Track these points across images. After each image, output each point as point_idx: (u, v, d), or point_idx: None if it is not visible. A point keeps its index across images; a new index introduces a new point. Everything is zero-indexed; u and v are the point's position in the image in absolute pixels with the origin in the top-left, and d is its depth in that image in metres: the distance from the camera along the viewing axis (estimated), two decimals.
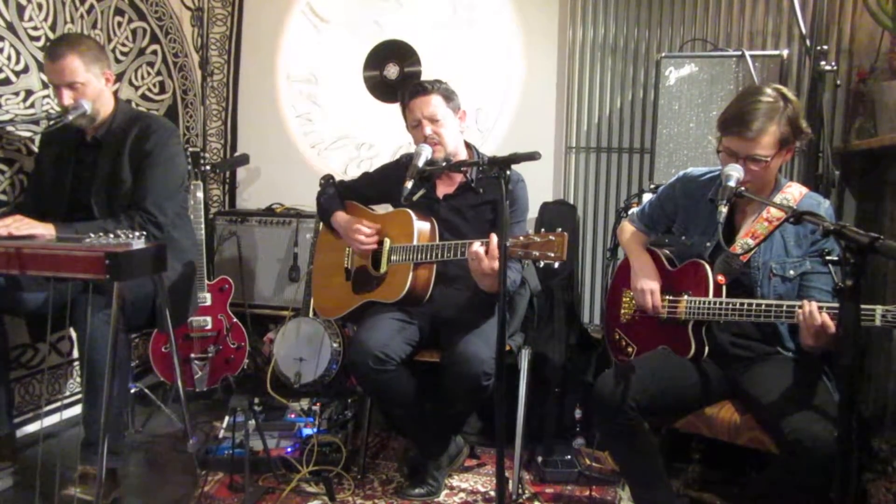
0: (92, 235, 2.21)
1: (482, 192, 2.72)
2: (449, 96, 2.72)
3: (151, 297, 2.60)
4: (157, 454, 2.97)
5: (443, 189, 2.78)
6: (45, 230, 2.40)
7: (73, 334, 3.24)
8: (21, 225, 2.37)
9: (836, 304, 1.87)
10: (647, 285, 2.30)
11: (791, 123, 2.04)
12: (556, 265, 1.98)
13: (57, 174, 2.75)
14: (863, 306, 1.71)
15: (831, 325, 1.87)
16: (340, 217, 2.88)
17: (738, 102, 2.10)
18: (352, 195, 2.97)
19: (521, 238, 2.02)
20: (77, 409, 3.19)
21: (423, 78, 3.72)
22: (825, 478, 1.73)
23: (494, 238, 2.31)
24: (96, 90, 2.63)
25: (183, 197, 2.87)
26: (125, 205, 2.64)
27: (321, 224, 3.08)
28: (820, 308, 1.90)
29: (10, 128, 2.91)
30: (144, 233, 2.54)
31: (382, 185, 2.88)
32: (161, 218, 2.63)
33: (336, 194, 2.97)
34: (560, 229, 1.98)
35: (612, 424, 2.11)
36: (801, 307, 1.92)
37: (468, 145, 2.83)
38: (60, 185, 2.73)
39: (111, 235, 2.15)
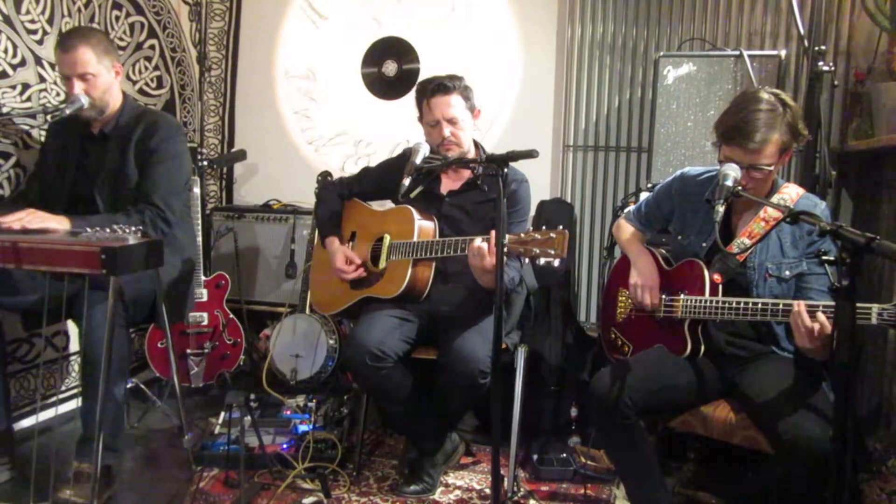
0: (88, 230, 2.22)
1: (487, 190, 2.71)
2: (467, 95, 2.71)
3: (153, 292, 2.60)
4: (153, 450, 2.96)
5: (448, 185, 2.78)
6: (58, 224, 2.39)
7: (70, 330, 3.25)
8: (34, 218, 2.37)
9: (832, 304, 1.87)
10: (646, 281, 2.30)
11: (791, 129, 2.03)
12: (557, 264, 1.97)
13: (60, 165, 2.74)
14: (859, 305, 1.71)
15: (828, 327, 1.86)
16: (329, 242, 2.88)
17: (738, 112, 2.06)
18: (352, 192, 2.97)
19: (522, 235, 2.02)
20: (72, 405, 3.19)
21: (424, 76, 3.72)
22: (820, 478, 1.73)
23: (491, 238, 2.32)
24: (107, 82, 2.63)
25: (186, 196, 2.87)
26: (130, 200, 2.64)
27: None
28: (813, 309, 1.89)
29: (6, 121, 2.90)
30: (153, 228, 2.55)
31: (383, 180, 2.87)
32: (169, 214, 2.63)
33: (334, 206, 2.95)
34: (561, 227, 1.98)
35: (607, 423, 2.12)
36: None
37: (476, 144, 2.83)
38: (62, 176, 2.73)
39: (118, 230, 2.15)
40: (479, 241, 2.33)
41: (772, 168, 2.06)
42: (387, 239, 2.72)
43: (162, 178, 2.65)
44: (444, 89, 2.66)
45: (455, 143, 2.66)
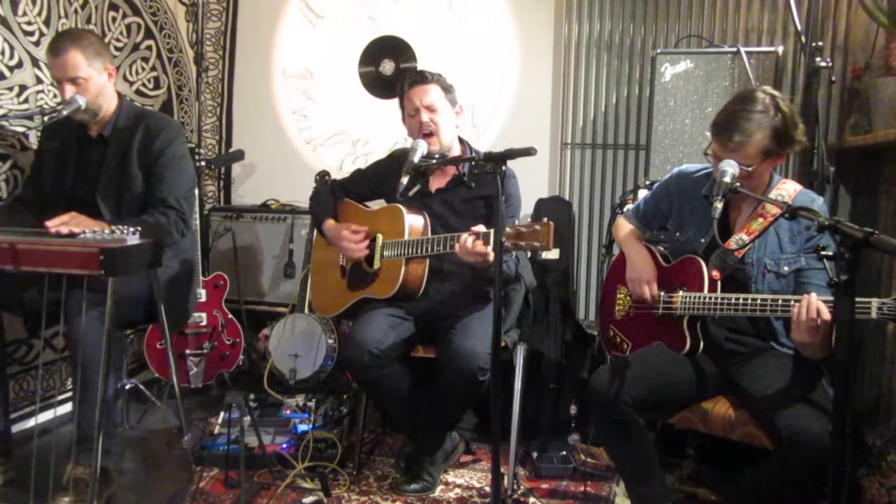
0: (87, 231, 2.21)
1: (474, 187, 2.72)
2: (447, 88, 2.73)
3: (146, 292, 2.60)
4: (152, 450, 2.96)
5: (435, 183, 2.78)
6: (99, 228, 2.39)
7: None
8: (80, 222, 2.37)
9: (831, 298, 1.87)
10: (643, 275, 2.30)
11: (777, 134, 2.02)
12: (542, 255, 1.98)
13: (58, 169, 2.73)
14: (858, 299, 1.71)
15: (827, 315, 1.85)
16: (329, 226, 2.88)
17: (729, 109, 2.09)
18: (346, 193, 2.97)
19: (508, 229, 2.02)
20: (71, 406, 3.18)
21: None
22: (819, 473, 1.73)
23: (481, 227, 2.34)
24: (98, 85, 2.62)
25: (193, 197, 2.86)
26: (135, 203, 2.64)
27: None
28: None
29: (3, 123, 2.90)
30: (176, 230, 2.57)
31: (376, 181, 2.88)
32: (186, 215, 2.64)
33: (327, 199, 2.95)
34: (546, 219, 1.98)
35: (607, 420, 2.12)
36: (798, 301, 1.91)
37: (462, 141, 2.84)
38: (61, 180, 2.72)
39: (116, 231, 2.15)
40: (469, 240, 2.33)
41: (749, 169, 2.04)
42: (379, 239, 2.72)
43: (174, 180, 2.66)
44: (422, 79, 2.70)
45: (433, 131, 2.65)
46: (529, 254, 2.01)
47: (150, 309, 2.65)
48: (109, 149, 2.69)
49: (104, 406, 2.26)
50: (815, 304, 1.87)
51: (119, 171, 2.66)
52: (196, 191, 3.39)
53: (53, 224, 2.31)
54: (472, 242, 2.31)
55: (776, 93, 2.09)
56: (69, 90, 2.56)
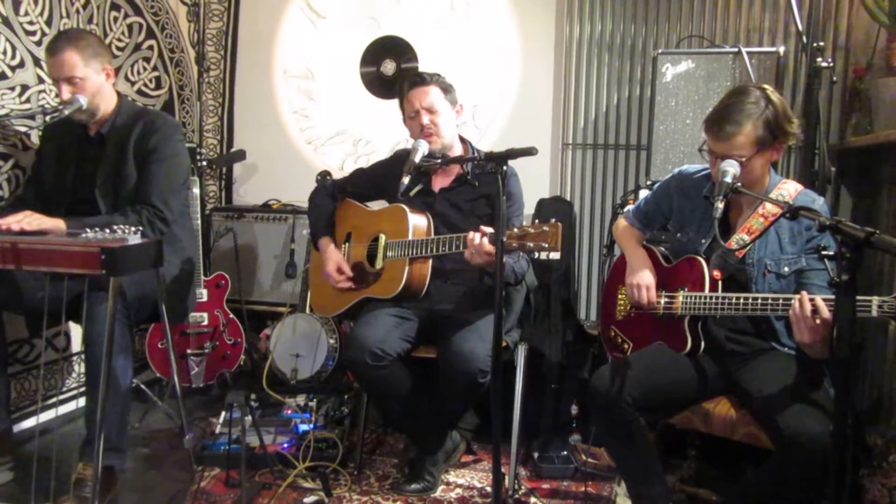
0: (88, 231, 2.21)
1: (478, 186, 2.72)
2: (447, 89, 2.73)
3: (156, 292, 2.60)
4: (154, 450, 2.96)
5: (439, 183, 2.79)
6: (54, 225, 2.40)
7: (72, 330, 3.25)
8: (32, 220, 2.38)
9: (832, 297, 1.86)
10: (642, 280, 2.30)
11: (769, 126, 2.03)
12: (552, 256, 1.98)
13: (59, 168, 2.74)
14: (859, 297, 1.71)
15: (826, 312, 1.84)
16: (323, 245, 2.89)
17: (721, 102, 2.11)
18: (346, 193, 2.97)
19: (516, 230, 2.02)
20: (73, 405, 3.19)
21: None
22: (821, 473, 1.73)
23: (490, 229, 2.32)
24: (96, 85, 2.62)
25: (185, 194, 2.87)
26: (130, 200, 2.64)
27: None
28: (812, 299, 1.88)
29: (5, 122, 2.90)
30: (150, 228, 2.56)
31: (377, 181, 2.88)
32: (167, 213, 2.64)
33: (325, 206, 2.96)
34: (554, 220, 1.98)
35: (608, 420, 2.12)
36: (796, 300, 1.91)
37: (463, 140, 2.84)
38: (62, 179, 2.73)
39: (118, 230, 2.15)
40: (476, 238, 2.32)
41: (743, 160, 2.05)
42: (382, 239, 2.72)
43: (160, 178, 2.65)
44: (421, 81, 2.71)
45: (434, 132, 2.66)
46: (536, 254, 2.01)
47: (155, 308, 2.66)
48: (107, 146, 2.69)
49: (114, 405, 2.27)
50: (807, 302, 1.86)
51: (116, 168, 2.67)
52: (196, 190, 3.42)
53: (6, 222, 2.33)
54: (481, 240, 2.30)
55: (768, 87, 2.11)
56: (66, 90, 2.57)
